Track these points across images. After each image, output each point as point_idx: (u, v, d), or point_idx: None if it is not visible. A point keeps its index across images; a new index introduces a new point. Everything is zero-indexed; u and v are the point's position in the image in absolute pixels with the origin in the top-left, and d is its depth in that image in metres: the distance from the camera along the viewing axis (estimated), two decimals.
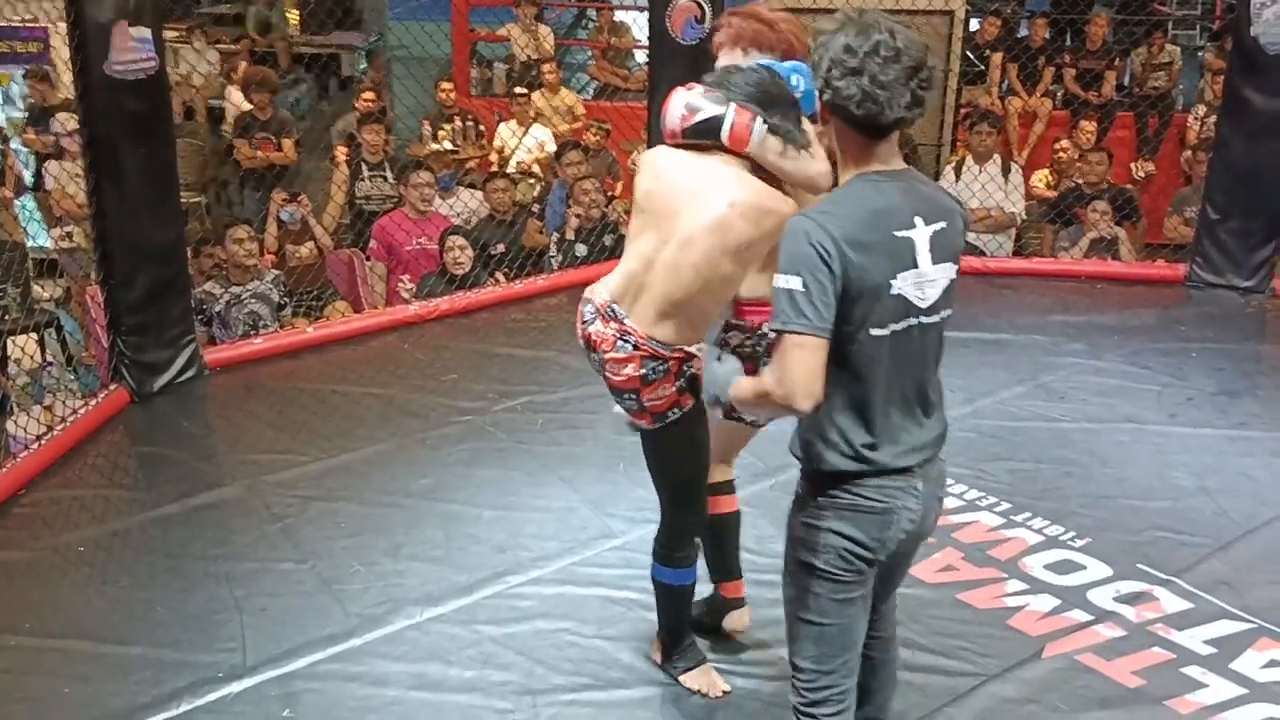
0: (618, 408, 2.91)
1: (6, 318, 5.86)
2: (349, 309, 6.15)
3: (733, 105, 2.70)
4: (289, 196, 6.66)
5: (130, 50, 4.49)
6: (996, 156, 7.28)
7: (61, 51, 4.35)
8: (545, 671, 3.23)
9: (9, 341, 5.35)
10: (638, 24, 9.99)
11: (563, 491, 4.18)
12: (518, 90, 8.31)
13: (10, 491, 4.11)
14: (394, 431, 4.64)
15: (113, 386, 4.81)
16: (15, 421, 4.67)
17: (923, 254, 2.22)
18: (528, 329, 5.77)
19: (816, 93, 2.23)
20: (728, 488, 3.24)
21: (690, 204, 2.72)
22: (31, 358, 5.69)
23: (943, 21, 8.18)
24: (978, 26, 9.25)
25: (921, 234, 2.22)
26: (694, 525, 3.04)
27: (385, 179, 7.08)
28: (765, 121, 2.69)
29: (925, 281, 2.23)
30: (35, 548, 3.85)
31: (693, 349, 2.81)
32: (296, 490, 4.16)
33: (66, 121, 6.46)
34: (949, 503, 4.11)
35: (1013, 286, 6.33)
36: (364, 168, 7.11)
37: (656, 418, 2.87)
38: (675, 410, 2.85)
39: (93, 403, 4.70)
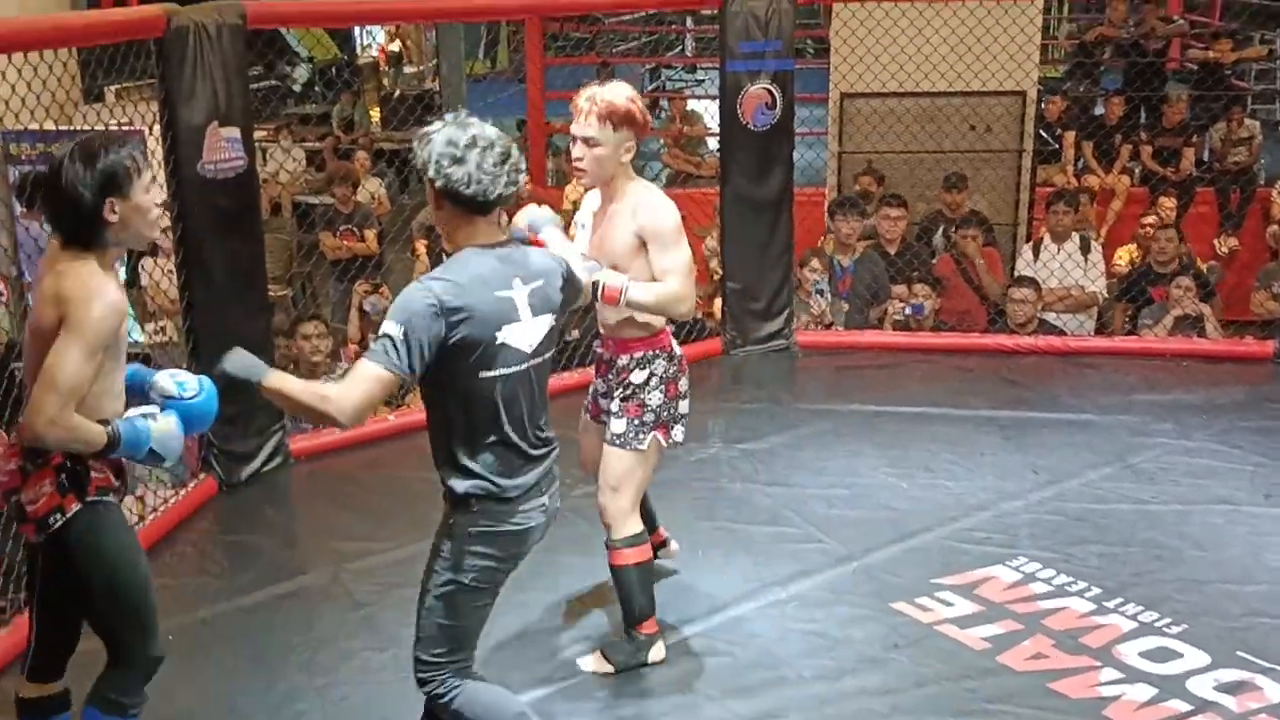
0: None
1: None
2: None
3: None
4: (371, 287, 6.81)
5: (221, 150, 4.67)
6: (1075, 235, 7.21)
7: (156, 152, 4.50)
8: None
9: None
10: (709, 112, 10.15)
11: None
12: None
13: None
14: None
15: (202, 476, 4.91)
16: None
17: (523, 309, 2.68)
18: None
19: (430, 177, 2.59)
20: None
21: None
22: None
23: (1015, 101, 8.17)
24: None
25: (520, 293, 2.67)
26: (148, 661, 2.73)
27: None
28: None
29: (529, 331, 2.68)
30: None
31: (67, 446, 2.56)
32: (377, 578, 4.18)
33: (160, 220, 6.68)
34: (1037, 588, 4.02)
35: (1095, 365, 6.22)
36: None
37: (39, 525, 2.58)
38: (58, 515, 2.57)
39: (182, 493, 4.80)
